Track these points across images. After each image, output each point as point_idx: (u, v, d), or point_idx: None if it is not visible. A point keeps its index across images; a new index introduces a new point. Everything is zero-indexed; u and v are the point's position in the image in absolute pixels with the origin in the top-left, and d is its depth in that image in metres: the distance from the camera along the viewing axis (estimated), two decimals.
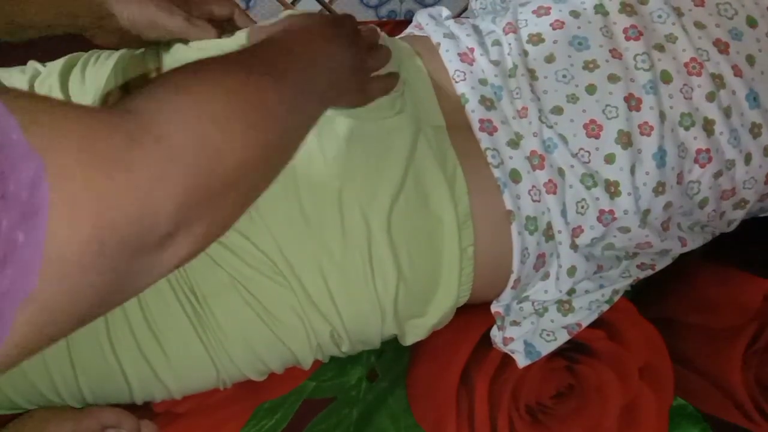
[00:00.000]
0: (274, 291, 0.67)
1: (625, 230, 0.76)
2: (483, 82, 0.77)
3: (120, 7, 0.69)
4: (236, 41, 0.74)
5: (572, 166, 0.74)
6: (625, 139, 0.74)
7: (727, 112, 0.76)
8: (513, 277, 0.75)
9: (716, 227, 0.84)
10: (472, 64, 0.78)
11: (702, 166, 0.76)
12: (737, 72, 0.77)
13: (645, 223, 0.76)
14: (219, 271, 0.67)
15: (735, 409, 0.78)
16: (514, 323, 0.79)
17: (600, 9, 0.79)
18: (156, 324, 0.67)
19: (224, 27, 0.77)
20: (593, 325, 0.81)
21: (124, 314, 0.66)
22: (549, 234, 0.74)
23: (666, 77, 0.76)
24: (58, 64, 0.77)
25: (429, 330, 0.74)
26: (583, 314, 0.80)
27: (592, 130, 0.74)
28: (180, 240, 0.40)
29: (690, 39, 0.77)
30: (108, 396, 0.70)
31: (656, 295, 0.85)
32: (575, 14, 0.79)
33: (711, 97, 0.76)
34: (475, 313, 0.79)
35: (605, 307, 0.82)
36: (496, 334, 0.79)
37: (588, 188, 0.74)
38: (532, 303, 0.79)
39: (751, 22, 0.79)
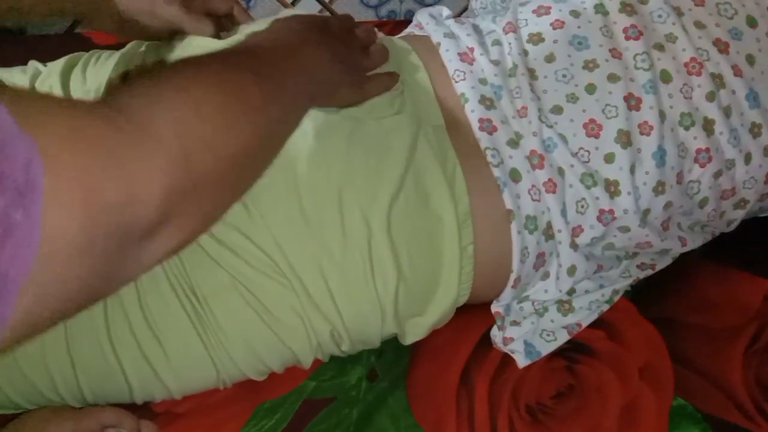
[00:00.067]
0: (275, 291, 0.67)
1: (625, 230, 0.76)
2: (483, 81, 0.77)
3: None
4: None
5: (572, 166, 0.74)
6: (625, 139, 0.74)
7: (726, 112, 0.76)
8: (513, 276, 0.75)
9: (716, 227, 0.84)
10: (472, 64, 0.78)
11: (702, 166, 0.76)
12: (737, 72, 0.77)
13: (645, 223, 0.76)
14: (219, 270, 0.67)
15: (735, 409, 0.78)
16: (514, 323, 0.79)
17: (600, 9, 0.79)
18: (156, 324, 0.67)
19: (223, 23, 0.77)
20: (593, 325, 0.81)
21: (125, 314, 0.66)
22: (549, 233, 0.74)
23: (666, 77, 0.76)
24: (59, 64, 0.78)
25: (429, 329, 0.74)
26: (583, 314, 0.80)
27: (592, 129, 0.74)
28: (169, 229, 0.41)
29: (690, 39, 0.77)
30: (108, 396, 0.70)
31: (656, 295, 0.85)
32: (575, 14, 0.79)
33: (711, 96, 0.76)
34: (475, 313, 0.79)
35: (605, 307, 0.82)
36: (496, 334, 0.79)
37: (588, 188, 0.74)
38: (532, 303, 0.79)
39: (751, 22, 0.79)
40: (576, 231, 0.75)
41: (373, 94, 0.71)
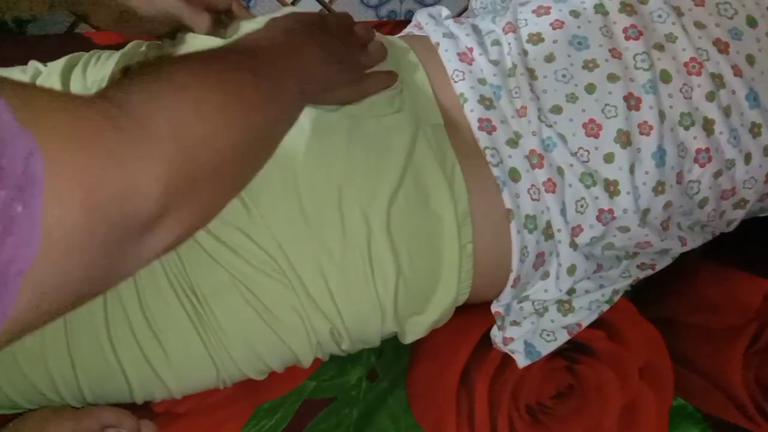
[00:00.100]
0: (275, 290, 0.67)
1: (625, 229, 0.76)
2: (482, 81, 0.77)
3: None
4: None
5: (571, 165, 0.74)
6: (625, 139, 0.74)
7: (726, 112, 0.76)
8: (512, 275, 0.75)
9: (716, 227, 0.84)
10: (471, 64, 0.78)
11: (702, 166, 0.76)
12: (737, 72, 0.77)
13: (645, 223, 0.76)
14: (219, 270, 0.67)
15: (735, 409, 0.78)
16: (514, 323, 0.79)
17: (600, 8, 0.79)
18: (156, 323, 0.67)
19: (222, 19, 0.77)
20: (593, 325, 0.81)
21: (125, 314, 0.66)
22: (548, 233, 0.74)
23: (665, 77, 0.76)
24: (59, 64, 0.78)
25: (428, 328, 0.74)
26: (583, 314, 0.80)
27: (592, 129, 0.74)
28: (167, 223, 0.41)
29: (690, 39, 0.77)
30: (108, 395, 0.70)
31: (656, 295, 0.85)
32: (575, 14, 0.79)
33: (711, 96, 0.76)
34: (475, 313, 0.79)
35: (605, 307, 0.82)
36: (496, 334, 0.79)
37: (587, 187, 0.74)
38: (532, 303, 0.79)
39: (751, 22, 0.79)
40: (575, 230, 0.75)
41: (372, 91, 0.72)
